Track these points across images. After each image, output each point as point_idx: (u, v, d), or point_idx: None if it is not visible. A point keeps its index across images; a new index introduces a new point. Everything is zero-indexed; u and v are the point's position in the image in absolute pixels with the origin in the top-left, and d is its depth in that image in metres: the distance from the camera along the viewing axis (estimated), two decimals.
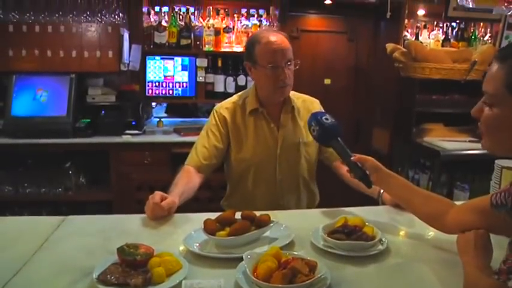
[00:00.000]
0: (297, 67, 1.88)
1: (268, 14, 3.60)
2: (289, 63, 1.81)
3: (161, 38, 3.45)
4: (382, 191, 1.79)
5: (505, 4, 3.15)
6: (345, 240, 1.27)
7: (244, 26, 3.55)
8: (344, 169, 1.94)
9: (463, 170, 3.38)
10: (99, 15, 3.25)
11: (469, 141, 3.41)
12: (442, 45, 3.93)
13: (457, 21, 3.98)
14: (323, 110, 1.87)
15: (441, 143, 3.33)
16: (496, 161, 1.90)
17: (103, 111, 3.32)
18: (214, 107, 1.97)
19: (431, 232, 1.49)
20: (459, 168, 3.39)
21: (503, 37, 3.91)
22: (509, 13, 3.32)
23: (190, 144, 1.96)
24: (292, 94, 1.97)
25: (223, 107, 1.95)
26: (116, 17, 3.28)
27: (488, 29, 4.04)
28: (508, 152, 0.96)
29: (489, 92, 0.91)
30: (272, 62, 1.78)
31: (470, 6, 3.22)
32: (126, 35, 3.36)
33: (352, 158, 1.47)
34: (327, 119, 1.53)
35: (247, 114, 1.90)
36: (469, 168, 3.31)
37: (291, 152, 1.92)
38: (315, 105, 2.04)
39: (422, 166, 3.57)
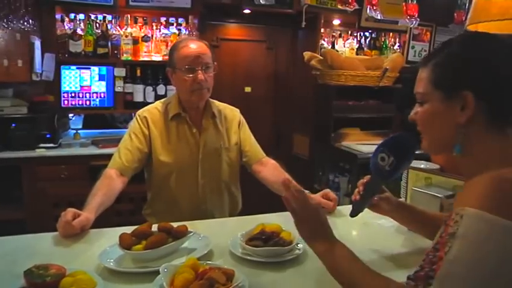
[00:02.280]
0: (215, 72, 1.92)
1: (187, 22, 3.58)
2: (206, 67, 1.85)
3: (76, 46, 3.32)
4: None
5: (408, 17, 3.40)
6: (263, 246, 1.29)
7: (163, 35, 3.50)
8: (264, 172, 2.00)
9: None
10: (5, 20, 3.03)
11: None
12: (357, 54, 4.15)
13: (370, 31, 4.23)
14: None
15: (358, 147, 3.50)
16: None
17: (13, 124, 3.10)
18: (137, 112, 1.98)
19: (355, 232, 1.56)
20: None
21: (410, 47, 4.22)
22: (412, 25, 3.58)
23: (109, 157, 1.91)
24: (213, 102, 2.02)
25: (145, 111, 1.96)
26: (26, 23, 3.08)
27: (397, 39, 4.35)
28: (443, 148, 1.01)
29: (419, 91, 1.00)
30: (188, 64, 1.82)
31: (379, 17, 3.42)
32: (37, 43, 3.19)
33: (375, 198, 1.36)
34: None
35: (169, 120, 1.92)
36: None
37: (212, 156, 1.95)
38: (236, 113, 2.10)
39: (341, 169, 3.73)
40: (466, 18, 1.96)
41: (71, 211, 1.48)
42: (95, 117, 3.86)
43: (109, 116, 3.94)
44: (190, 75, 1.82)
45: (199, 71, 1.82)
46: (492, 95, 0.90)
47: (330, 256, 1.05)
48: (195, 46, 1.84)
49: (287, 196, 1.10)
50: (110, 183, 1.75)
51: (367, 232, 1.60)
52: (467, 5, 3.49)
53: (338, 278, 1.02)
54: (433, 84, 0.96)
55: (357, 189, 1.34)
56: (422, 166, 1.92)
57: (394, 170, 1.17)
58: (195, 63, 1.82)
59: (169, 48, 1.94)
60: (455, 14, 4.04)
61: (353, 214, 1.29)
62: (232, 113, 2.08)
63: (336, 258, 1.04)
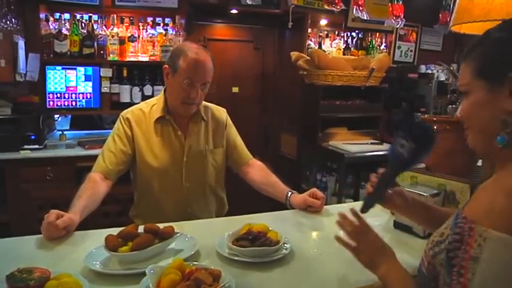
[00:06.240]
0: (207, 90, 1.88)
1: (174, 23, 3.56)
2: (204, 85, 1.82)
3: (62, 46, 3.28)
4: (289, 194, 1.84)
5: (394, 18, 3.43)
6: (249, 247, 1.29)
7: (150, 35, 3.48)
8: (251, 174, 1.99)
9: (366, 171, 3.57)
10: None
11: (371, 143, 3.64)
12: (343, 54, 4.18)
13: (356, 31, 4.26)
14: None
15: (345, 146, 3.50)
16: None
17: None
18: (121, 113, 1.95)
19: (341, 232, 1.56)
20: (363, 169, 3.59)
21: (396, 47, 4.25)
22: (398, 26, 3.61)
23: (95, 158, 1.89)
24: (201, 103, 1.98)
25: (128, 112, 1.93)
26: (8, 22, 3.04)
27: (384, 39, 4.38)
28: (489, 141, 0.92)
29: (462, 83, 0.97)
30: (189, 78, 1.77)
31: (365, 18, 3.45)
32: (21, 43, 3.14)
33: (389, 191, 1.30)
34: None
35: (154, 122, 1.89)
36: (371, 169, 3.50)
37: (197, 159, 1.93)
38: (223, 114, 2.08)
39: (329, 169, 3.74)
40: (450, 19, 1.99)
41: (54, 212, 1.46)
42: (81, 118, 3.82)
43: (97, 117, 3.90)
44: (188, 89, 1.78)
45: (198, 88, 1.79)
46: None
47: (387, 279, 1.03)
48: (203, 61, 1.78)
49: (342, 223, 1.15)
50: (94, 187, 1.73)
51: None
52: (451, 6, 3.54)
53: None
54: (476, 73, 0.92)
55: (369, 183, 1.27)
56: None
57: (412, 158, 1.13)
58: (198, 79, 1.78)
59: (175, 46, 1.88)
60: (440, 15, 4.10)
61: (364, 209, 1.22)
62: (219, 114, 2.06)
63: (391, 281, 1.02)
